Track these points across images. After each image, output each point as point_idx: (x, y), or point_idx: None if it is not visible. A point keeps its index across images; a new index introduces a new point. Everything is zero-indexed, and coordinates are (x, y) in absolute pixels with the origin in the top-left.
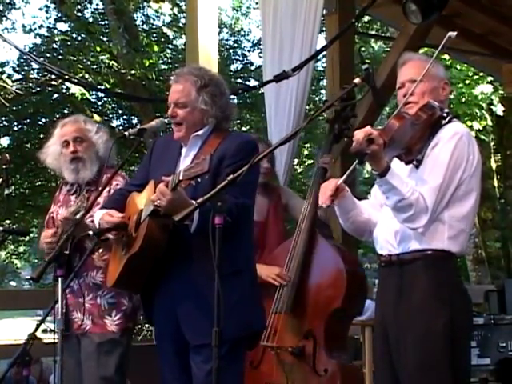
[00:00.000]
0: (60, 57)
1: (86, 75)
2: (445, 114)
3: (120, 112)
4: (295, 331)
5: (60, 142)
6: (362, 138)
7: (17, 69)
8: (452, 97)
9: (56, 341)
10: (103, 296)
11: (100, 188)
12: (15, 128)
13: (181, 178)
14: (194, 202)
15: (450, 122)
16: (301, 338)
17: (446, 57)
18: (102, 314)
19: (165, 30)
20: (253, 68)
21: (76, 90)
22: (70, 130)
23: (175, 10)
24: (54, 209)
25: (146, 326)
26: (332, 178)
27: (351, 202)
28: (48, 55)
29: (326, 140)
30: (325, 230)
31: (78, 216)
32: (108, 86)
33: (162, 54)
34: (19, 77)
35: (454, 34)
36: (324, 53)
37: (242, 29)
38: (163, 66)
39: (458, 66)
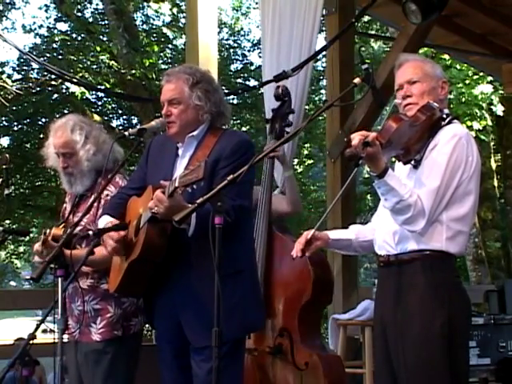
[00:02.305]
0: (60, 57)
1: (86, 75)
2: (444, 116)
3: (120, 112)
4: (269, 330)
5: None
6: (358, 142)
7: (17, 69)
8: (452, 97)
9: (56, 341)
10: (89, 302)
11: (98, 193)
12: (15, 128)
13: (177, 184)
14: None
15: (449, 123)
16: (276, 336)
17: (446, 57)
18: (87, 322)
19: (165, 30)
20: (253, 68)
21: (76, 89)
22: (59, 143)
23: (175, 10)
24: (66, 204)
25: (146, 326)
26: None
27: (341, 243)
28: (48, 55)
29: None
30: (280, 224)
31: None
32: (108, 86)
33: (161, 54)
34: (19, 77)
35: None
36: (324, 53)
37: (241, 29)
38: (163, 66)
39: (458, 66)
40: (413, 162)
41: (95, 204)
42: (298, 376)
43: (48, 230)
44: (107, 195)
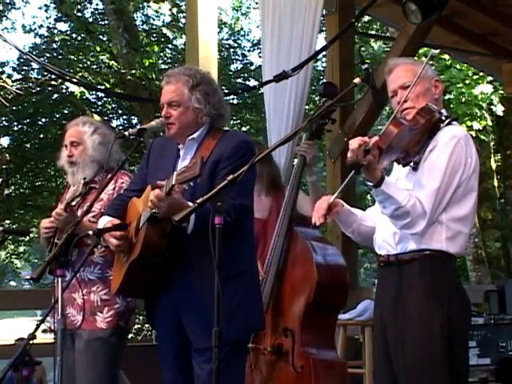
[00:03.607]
0: (60, 57)
1: (86, 75)
2: (443, 117)
3: (120, 112)
4: (273, 329)
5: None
6: (357, 149)
7: (17, 69)
8: (452, 97)
9: (55, 340)
10: (97, 292)
11: (101, 187)
12: (15, 128)
13: (173, 182)
14: (190, 203)
15: (448, 124)
16: (278, 336)
17: (446, 57)
18: (93, 311)
19: (165, 30)
20: (253, 68)
21: (76, 89)
22: (69, 134)
23: (174, 10)
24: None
25: (146, 325)
26: (324, 195)
27: (350, 215)
28: (48, 55)
29: (304, 134)
30: (305, 223)
31: (73, 203)
32: (108, 86)
33: (161, 54)
34: (19, 77)
35: (437, 51)
36: (324, 53)
37: (241, 29)
38: (163, 66)
39: (458, 66)
40: (412, 164)
41: (111, 191)
42: (294, 378)
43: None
44: (122, 183)
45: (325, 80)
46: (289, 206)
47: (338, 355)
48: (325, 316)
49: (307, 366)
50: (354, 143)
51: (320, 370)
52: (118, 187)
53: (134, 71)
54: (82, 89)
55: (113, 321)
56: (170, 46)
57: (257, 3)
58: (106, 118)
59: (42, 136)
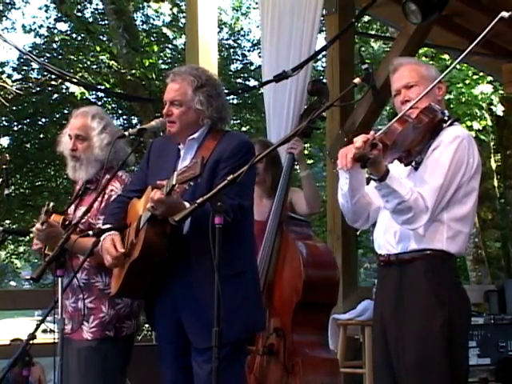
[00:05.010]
0: (60, 57)
1: (86, 75)
2: (446, 118)
3: (120, 112)
4: (266, 330)
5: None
6: (363, 143)
7: (17, 69)
8: (452, 97)
9: (56, 341)
10: (83, 300)
11: (100, 188)
12: (15, 128)
13: (174, 182)
14: (187, 204)
15: (451, 125)
16: (269, 336)
17: (446, 57)
18: (80, 319)
19: (165, 30)
20: (253, 68)
21: (76, 89)
22: (76, 125)
23: (175, 10)
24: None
25: (146, 325)
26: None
27: (363, 180)
28: (48, 55)
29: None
30: (294, 221)
31: (43, 226)
32: (108, 86)
33: (161, 54)
34: (19, 77)
35: (507, 14)
36: (324, 53)
37: (241, 29)
38: (163, 66)
39: (458, 66)
40: (413, 164)
41: (99, 199)
42: (286, 378)
43: (50, 207)
44: (111, 190)
45: (314, 78)
46: (279, 204)
47: (329, 352)
48: (315, 314)
49: (297, 364)
50: (359, 141)
51: (310, 369)
52: (108, 195)
53: (134, 71)
54: (82, 89)
55: (98, 331)
56: (170, 46)
57: (257, 3)
58: None
59: (42, 136)
